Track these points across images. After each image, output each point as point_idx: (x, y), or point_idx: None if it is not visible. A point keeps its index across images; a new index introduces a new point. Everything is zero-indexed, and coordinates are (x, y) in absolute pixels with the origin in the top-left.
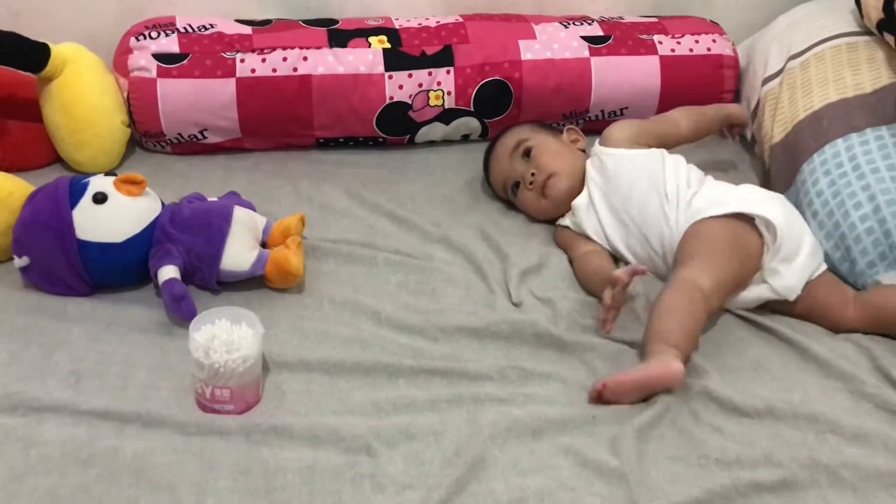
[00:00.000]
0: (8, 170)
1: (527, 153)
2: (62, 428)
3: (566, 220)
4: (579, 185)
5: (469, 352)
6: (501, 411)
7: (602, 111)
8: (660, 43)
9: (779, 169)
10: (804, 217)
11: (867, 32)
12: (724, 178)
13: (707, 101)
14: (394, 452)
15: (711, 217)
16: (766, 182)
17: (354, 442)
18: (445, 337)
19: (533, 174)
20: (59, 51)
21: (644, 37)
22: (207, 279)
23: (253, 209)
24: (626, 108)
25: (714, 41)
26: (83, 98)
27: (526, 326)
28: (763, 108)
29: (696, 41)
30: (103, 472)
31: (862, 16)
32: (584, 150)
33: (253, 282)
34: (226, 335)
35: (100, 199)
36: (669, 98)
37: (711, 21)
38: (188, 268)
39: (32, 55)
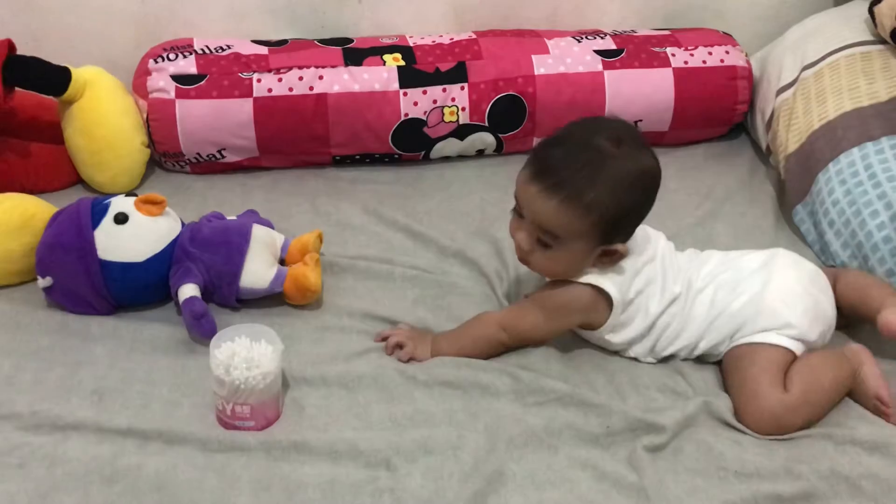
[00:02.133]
0: (31, 191)
1: (542, 243)
2: (86, 446)
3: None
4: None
5: (484, 366)
6: (517, 425)
7: None
8: (673, 55)
9: (794, 179)
10: (821, 227)
11: (881, 41)
12: (740, 191)
13: (721, 113)
14: (413, 467)
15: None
16: (782, 193)
17: (374, 456)
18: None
19: (525, 251)
20: (79, 74)
21: (657, 49)
22: (227, 297)
23: (271, 227)
24: (641, 120)
25: (727, 52)
26: (104, 120)
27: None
28: (777, 119)
29: (710, 53)
30: (127, 489)
31: (875, 25)
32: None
33: (272, 299)
34: (246, 352)
35: (121, 219)
36: (683, 110)
37: (724, 32)
38: (208, 286)
39: (54, 79)
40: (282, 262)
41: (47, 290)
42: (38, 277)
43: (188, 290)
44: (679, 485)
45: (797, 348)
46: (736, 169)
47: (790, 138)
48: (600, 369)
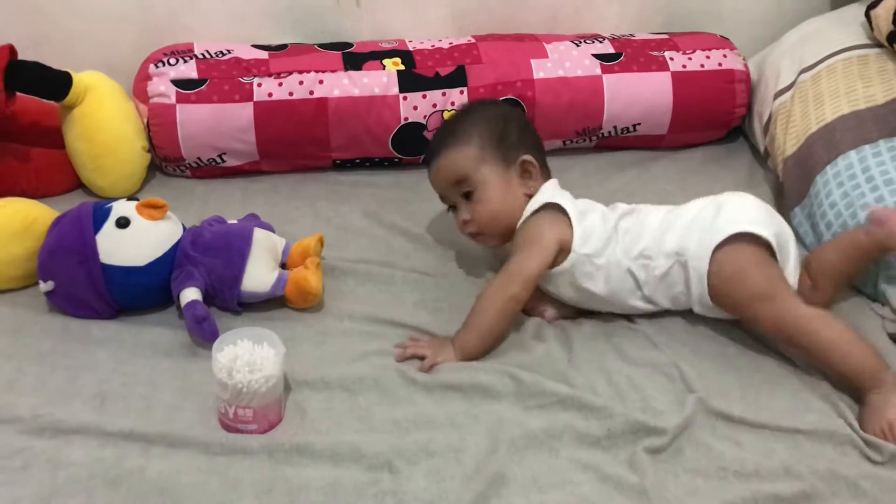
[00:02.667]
0: (32, 196)
1: (467, 195)
2: (89, 449)
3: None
4: (510, 236)
5: (485, 367)
6: (518, 427)
7: (615, 127)
8: (671, 59)
9: (792, 182)
10: (818, 229)
11: (878, 45)
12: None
13: (719, 116)
14: (415, 469)
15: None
16: (780, 195)
17: (376, 459)
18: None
19: (466, 221)
20: (80, 79)
21: (655, 53)
22: (229, 300)
23: (272, 231)
24: (639, 123)
25: (725, 56)
26: (104, 125)
27: (539, 342)
28: (775, 122)
29: (708, 56)
30: (130, 493)
31: (872, 28)
32: (529, 195)
33: (273, 302)
34: (248, 355)
35: (122, 223)
36: (682, 113)
37: (722, 36)
38: (210, 290)
39: (55, 83)
40: (283, 265)
41: (49, 294)
42: (40, 282)
43: (190, 294)
44: (679, 486)
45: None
46: (734, 172)
47: (788, 141)
48: (601, 371)
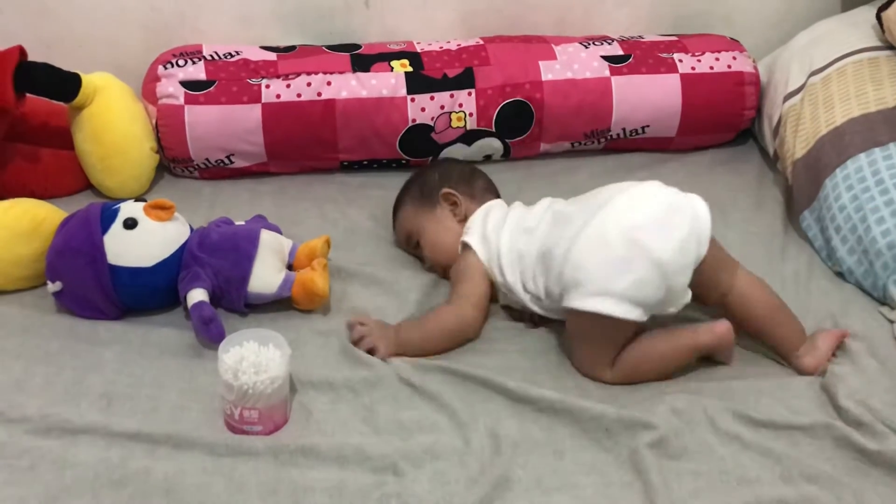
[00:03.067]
0: (41, 196)
1: (417, 245)
2: (95, 450)
3: None
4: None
5: (489, 369)
6: (521, 429)
7: (623, 129)
8: (680, 61)
9: (801, 184)
10: (827, 233)
11: (889, 47)
12: (747, 197)
13: (728, 119)
14: (420, 472)
15: None
16: (789, 198)
17: (381, 461)
18: (466, 355)
19: (427, 265)
20: (89, 80)
21: (664, 55)
22: (235, 302)
23: (279, 232)
24: (648, 126)
25: (734, 58)
26: (113, 126)
27: (541, 345)
28: (785, 125)
29: (717, 59)
30: (136, 493)
31: (883, 30)
32: (463, 219)
33: (280, 304)
34: (254, 357)
35: (130, 224)
36: (691, 116)
37: (731, 38)
38: (217, 291)
39: (64, 85)
40: (290, 267)
41: (57, 294)
42: (48, 282)
43: (197, 295)
44: (682, 486)
45: (626, 314)
46: (743, 175)
47: (797, 144)
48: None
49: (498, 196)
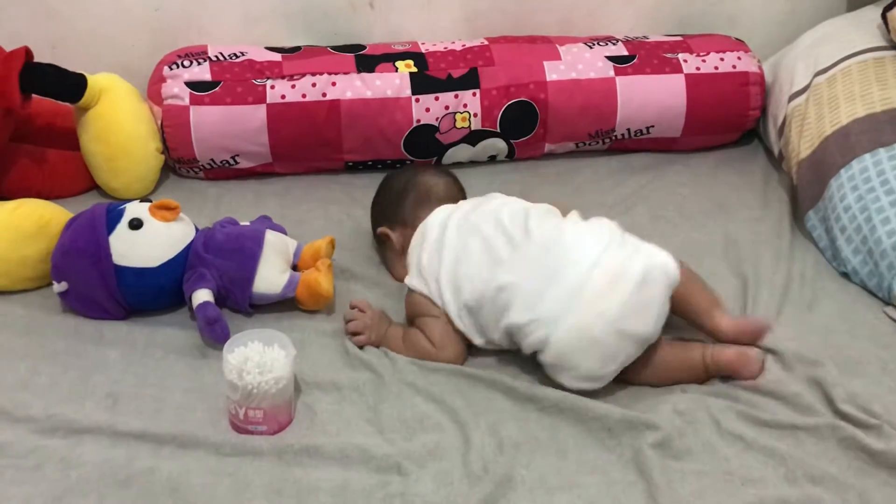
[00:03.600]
0: (47, 197)
1: None
2: (100, 449)
3: None
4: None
5: (492, 368)
6: (524, 429)
7: (628, 130)
8: (685, 61)
9: (806, 185)
10: (832, 233)
11: (894, 47)
12: (752, 198)
13: (733, 119)
14: (423, 472)
15: None
16: (794, 199)
17: (385, 461)
18: (470, 355)
19: None
20: (95, 81)
21: (669, 55)
22: (240, 302)
23: (284, 233)
24: (653, 126)
25: (739, 58)
26: (119, 126)
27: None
28: (790, 125)
29: (722, 59)
30: (140, 493)
31: (888, 30)
32: (403, 251)
33: (284, 304)
34: (258, 357)
35: (135, 225)
36: (695, 116)
37: (736, 38)
38: (221, 291)
39: (70, 86)
40: (294, 267)
41: (62, 294)
42: (54, 282)
43: (202, 296)
44: (685, 486)
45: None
46: (748, 175)
47: (802, 144)
48: None
49: (440, 194)
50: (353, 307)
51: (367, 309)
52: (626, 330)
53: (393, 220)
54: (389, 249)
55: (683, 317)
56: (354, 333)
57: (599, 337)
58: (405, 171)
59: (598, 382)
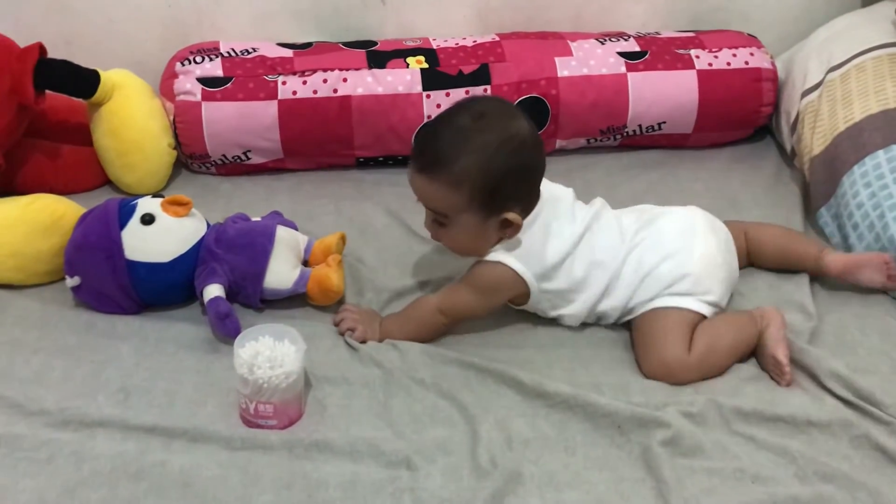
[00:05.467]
0: (60, 192)
1: (440, 221)
2: (112, 443)
3: None
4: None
5: (502, 363)
6: (533, 425)
7: (640, 126)
8: (697, 57)
9: (819, 182)
10: (845, 230)
11: None
12: (765, 194)
13: (746, 115)
14: (433, 467)
15: None
16: (806, 195)
17: (395, 456)
18: (480, 349)
19: (433, 234)
20: (108, 77)
21: (681, 52)
22: (251, 297)
23: (295, 229)
24: (664, 122)
25: (752, 54)
26: (131, 122)
27: (555, 340)
28: (802, 121)
29: (734, 55)
30: (152, 486)
31: None
32: (503, 238)
33: (295, 299)
34: (269, 351)
35: (147, 220)
36: (708, 112)
37: (749, 34)
38: (233, 286)
39: (84, 82)
40: (305, 263)
41: (75, 289)
42: (66, 277)
43: (213, 291)
44: (696, 484)
45: (710, 313)
46: (760, 172)
47: (815, 141)
48: (604, 370)
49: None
50: (341, 310)
51: (356, 308)
52: (731, 262)
53: (525, 210)
54: (494, 226)
55: (791, 266)
56: (351, 331)
57: (721, 261)
58: (529, 141)
59: (707, 305)
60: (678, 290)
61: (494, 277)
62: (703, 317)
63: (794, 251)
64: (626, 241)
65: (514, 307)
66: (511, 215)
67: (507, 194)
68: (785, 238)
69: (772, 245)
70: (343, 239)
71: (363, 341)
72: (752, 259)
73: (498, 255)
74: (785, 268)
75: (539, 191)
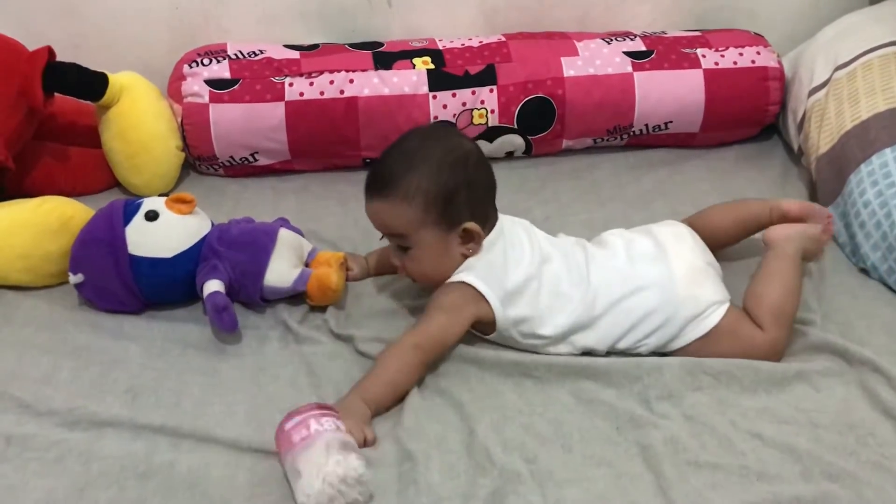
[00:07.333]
0: (69, 194)
1: (402, 247)
2: (121, 443)
3: None
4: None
5: (503, 362)
6: (528, 425)
7: (646, 125)
8: (703, 56)
9: (825, 181)
10: (851, 229)
11: None
12: (772, 193)
13: (752, 114)
14: (432, 464)
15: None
16: (813, 194)
17: (395, 454)
18: (481, 349)
19: (398, 266)
20: (116, 79)
21: (687, 51)
22: (252, 295)
23: (301, 235)
24: (671, 121)
25: (758, 53)
26: (139, 124)
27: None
28: (809, 120)
29: (741, 54)
30: (160, 486)
31: None
32: (468, 255)
33: (295, 299)
34: (361, 470)
35: (151, 216)
36: (714, 112)
37: (755, 33)
38: (234, 284)
39: (92, 84)
40: (306, 265)
41: (78, 286)
42: (70, 274)
43: (213, 286)
44: (699, 479)
45: (728, 298)
46: (767, 171)
47: (822, 139)
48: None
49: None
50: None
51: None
52: (712, 262)
53: (481, 218)
54: (455, 240)
55: (744, 233)
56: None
57: (702, 264)
58: (475, 156)
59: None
60: (686, 320)
61: (458, 292)
62: (732, 306)
63: (746, 212)
64: (591, 281)
65: (484, 337)
66: (470, 224)
67: (461, 205)
68: (730, 207)
69: (723, 220)
70: (344, 263)
71: (364, 443)
72: (711, 243)
73: (461, 276)
74: (746, 234)
75: (495, 209)
